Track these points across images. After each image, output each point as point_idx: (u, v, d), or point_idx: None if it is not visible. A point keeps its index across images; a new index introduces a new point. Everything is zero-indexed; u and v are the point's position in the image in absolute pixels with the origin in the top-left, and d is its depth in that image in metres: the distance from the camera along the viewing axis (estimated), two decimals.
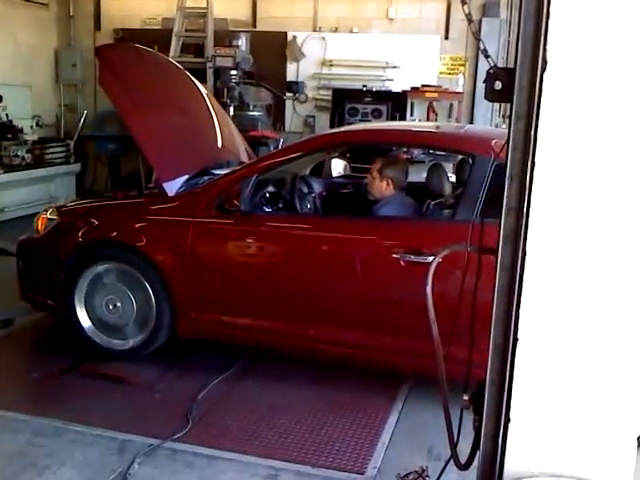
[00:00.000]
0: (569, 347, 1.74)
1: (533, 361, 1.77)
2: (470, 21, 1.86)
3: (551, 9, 1.61)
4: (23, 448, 3.36)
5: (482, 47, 1.85)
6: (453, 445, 2.30)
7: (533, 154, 1.68)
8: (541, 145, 1.67)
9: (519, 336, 1.76)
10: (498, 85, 1.95)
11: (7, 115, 8.90)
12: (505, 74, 1.91)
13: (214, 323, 4.21)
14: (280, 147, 7.96)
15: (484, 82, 1.98)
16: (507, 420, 1.83)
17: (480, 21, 9.02)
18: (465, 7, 1.79)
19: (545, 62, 1.64)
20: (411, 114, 8.85)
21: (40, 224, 4.66)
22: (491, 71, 1.98)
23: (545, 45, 1.63)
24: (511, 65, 1.86)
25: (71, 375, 4.26)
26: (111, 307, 4.36)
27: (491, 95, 1.98)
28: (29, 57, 10.06)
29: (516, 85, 1.72)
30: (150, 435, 3.49)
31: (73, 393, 4.05)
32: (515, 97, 1.72)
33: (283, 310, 4.07)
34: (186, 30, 9.43)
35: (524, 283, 1.73)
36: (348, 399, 4.00)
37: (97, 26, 10.67)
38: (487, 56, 1.83)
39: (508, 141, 1.82)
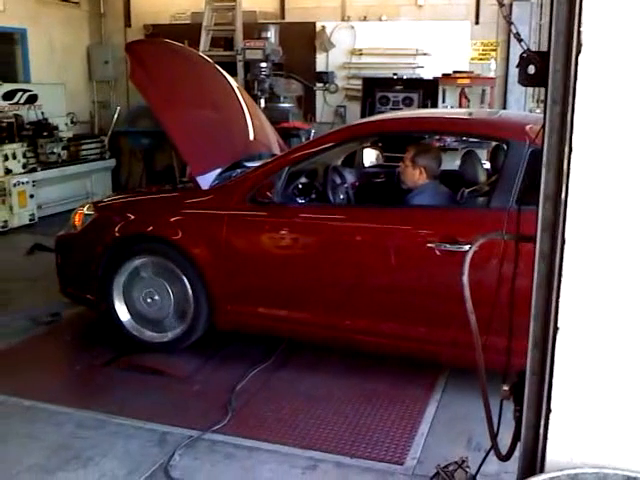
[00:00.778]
0: (610, 336, 1.71)
1: (574, 350, 1.74)
2: (501, 4, 1.83)
3: None
4: (67, 440, 3.43)
5: (514, 31, 1.82)
6: (493, 435, 2.28)
7: (570, 140, 1.65)
8: (578, 130, 1.64)
9: (559, 325, 1.74)
10: (532, 69, 1.91)
11: (42, 113, 9.04)
12: (539, 58, 1.87)
13: (250, 315, 4.24)
14: (311, 138, 7.95)
15: (517, 66, 1.95)
16: (548, 410, 1.81)
17: (511, 5, 8.86)
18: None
19: (580, 45, 1.60)
20: (443, 101, 8.75)
21: (77, 220, 4.73)
22: (524, 55, 1.94)
23: (580, 27, 1.59)
24: (543, 49, 1.82)
25: (111, 368, 4.34)
26: (149, 300, 4.41)
27: (525, 80, 1.95)
28: (62, 55, 10.21)
29: (550, 69, 1.69)
30: (190, 427, 3.54)
31: (114, 385, 4.12)
32: (550, 81, 1.69)
33: (318, 301, 4.07)
34: (215, 24, 9.46)
35: (564, 271, 1.70)
36: (385, 390, 3.99)
37: (127, 23, 10.77)
38: (520, 40, 1.80)
39: (544, 125, 1.79)
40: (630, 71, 1.57)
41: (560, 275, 1.71)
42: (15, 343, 4.71)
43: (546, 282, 1.78)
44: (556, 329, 1.74)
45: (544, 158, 1.72)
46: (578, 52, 1.59)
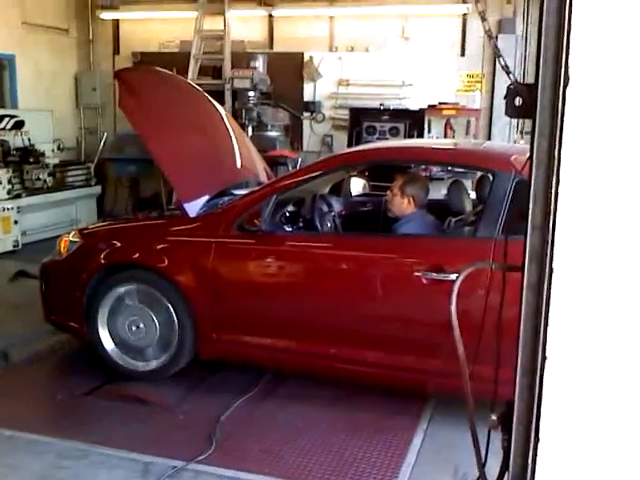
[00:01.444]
0: (601, 364, 1.71)
1: (563, 379, 1.74)
2: (490, 37, 1.87)
3: (572, 23, 1.60)
4: (48, 471, 3.37)
5: (503, 63, 1.84)
6: (481, 465, 2.26)
7: (558, 172, 1.66)
8: (565, 162, 1.65)
9: (547, 354, 1.74)
10: (519, 101, 1.94)
11: (29, 139, 9.03)
12: (526, 90, 1.90)
13: (235, 344, 4.21)
14: (299, 166, 8.00)
15: (505, 98, 1.98)
16: (537, 439, 1.80)
17: (496, 37, 9.04)
18: (485, 23, 1.80)
19: (567, 78, 1.63)
20: (428, 131, 8.85)
21: (63, 246, 4.70)
22: (511, 87, 1.97)
23: (567, 60, 1.62)
24: (528, 80, 1.85)
25: (94, 397, 4.28)
26: (134, 328, 4.38)
27: (512, 111, 1.98)
28: (50, 82, 10.24)
29: (538, 102, 1.71)
30: (174, 457, 3.49)
31: (97, 415, 4.06)
32: (538, 114, 1.71)
33: (306, 330, 4.06)
34: (204, 52, 9.56)
35: (552, 300, 1.71)
36: (372, 420, 3.96)
37: (116, 50, 10.84)
38: (508, 72, 1.83)
39: (531, 157, 1.81)
40: (618, 103, 1.60)
41: (548, 305, 1.71)
42: None
43: (534, 310, 1.78)
44: (544, 358, 1.74)
45: (531, 189, 1.73)
46: (565, 85, 1.61)
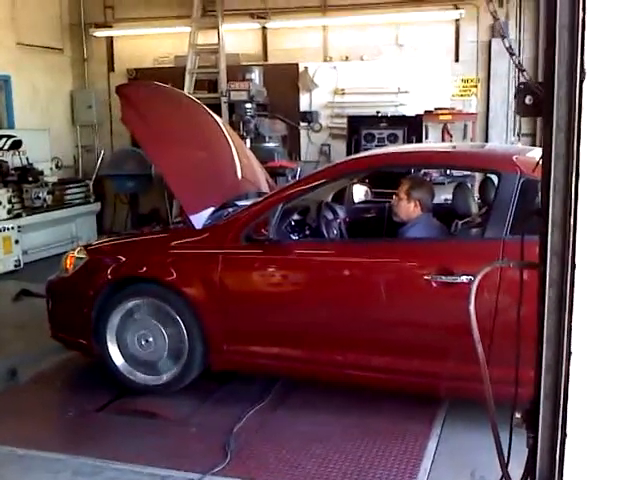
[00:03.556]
0: (627, 358, 1.71)
1: (589, 375, 1.74)
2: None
3: (587, 19, 1.61)
4: None
5: (516, 62, 1.85)
6: (504, 465, 2.25)
7: (577, 166, 1.67)
8: (584, 156, 1.66)
9: (572, 350, 1.74)
10: (529, 99, 1.96)
11: (27, 159, 9.03)
12: (536, 88, 1.92)
13: (246, 354, 4.20)
14: (298, 176, 8.01)
15: (514, 97, 1.99)
16: (564, 435, 1.80)
17: (490, 42, 9.10)
18: (497, 23, 1.81)
19: (583, 72, 1.64)
20: (426, 137, 8.88)
21: (69, 263, 4.68)
22: (521, 86, 1.99)
23: (582, 55, 1.63)
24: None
25: (106, 412, 4.26)
26: (143, 343, 4.36)
27: (522, 110, 2.00)
28: (46, 101, 10.26)
29: (555, 97, 1.72)
30: (189, 470, 3.47)
31: (109, 430, 4.04)
32: (555, 109, 1.72)
33: (318, 337, 4.05)
34: (199, 67, 9.59)
35: (575, 296, 1.71)
36: (385, 426, 3.95)
37: (111, 67, 10.86)
38: (522, 70, 1.84)
39: (546, 155, 1.81)
40: (635, 96, 1.60)
41: (572, 300, 1.71)
42: (1, 391, 4.62)
43: (556, 307, 1.78)
44: (570, 353, 1.74)
45: (551, 185, 1.74)
46: (582, 79, 1.62)
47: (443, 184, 7.48)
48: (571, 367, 1.76)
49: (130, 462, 3.56)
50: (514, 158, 3.88)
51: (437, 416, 4.06)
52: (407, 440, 3.80)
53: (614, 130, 1.63)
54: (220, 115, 8.50)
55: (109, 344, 4.41)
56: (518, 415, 2.03)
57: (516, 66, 1.86)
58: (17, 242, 8.16)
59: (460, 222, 4.06)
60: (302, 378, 4.32)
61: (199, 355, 4.24)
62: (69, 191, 9.54)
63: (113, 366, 4.43)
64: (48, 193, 8.86)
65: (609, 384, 1.75)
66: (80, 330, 4.55)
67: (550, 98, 1.76)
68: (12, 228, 8.10)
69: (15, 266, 8.14)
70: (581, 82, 1.64)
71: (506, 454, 2.26)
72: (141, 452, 3.69)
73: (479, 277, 2.11)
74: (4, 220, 8.04)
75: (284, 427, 3.99)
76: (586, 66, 1.62)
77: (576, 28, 1.63)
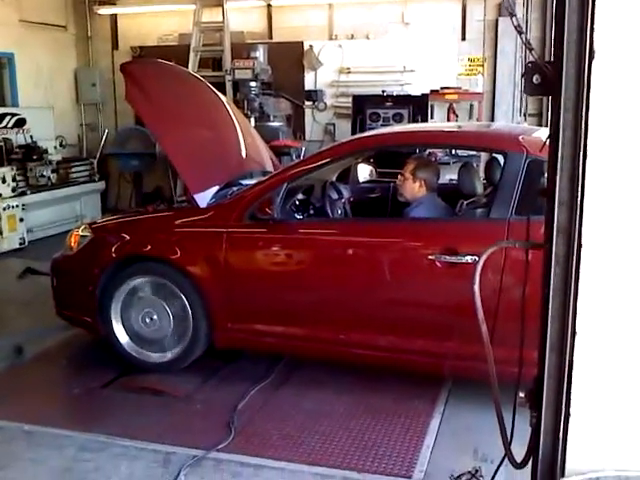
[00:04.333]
0: (631, 338, 1.72)
1: (593, 354, 1.75)
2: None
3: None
4: (70, 464, 3.39)
5: (525, 40, 1.84)
6: (507, 443, 2.27)
7: (585, 146, 1.66)
8: (592, 136, 1.65)
9: (577, 329, 1.74)
10: (537, 79, 1.94)
11: (31, 137, 9.03)
12: (545, 67, 1.90)
13: (250, 332, 4.22)
14: (302, 156, 7.98)
15: (522, 76, 1.99)
16: (567, 414, 1.81)
17: (497, 21, 9.01)
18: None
19: (592, 52, 1.62)
20: (431, 117, 8.82)
21: (73, 241, 4.69)
22: (530, 65, 1.97)
23: (592, 35, 1.62)
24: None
25: (111, 389, 4.30)
26: (148, 320, 4.38)
27: (531, 89, 1.98)
28: (50, 79, 10.21)
29: (563, 77, 1.71)
30: (194, 446, 3.50)
31: (115, 407, 4.07)
32: (563, 89, 1.71)
33: (321, 316, 4.06)
34: (203, 45, 9.51)
35: (581, 275, 1.71)
36: (388, 404, 3.98)
37: (115, 45, 10.80)
38: (531, 49, 1.82)
39: (553, 134, 1.81)
40: None
41: (577, 279, 1.72)
42: (7, 368, 4.65)
43: (562, 286, 1.79)
44: (574, 333, 1.74)
45: (558, 165, 1.73)
46: (591, 59, 1.61)
47: (448, 164, 7.44)
48: (575, 346, 1.76)
49: (135, 438, 3.59)
50: (520, 138, 3.87)
51: (440, 395, 4.09)
52: (410, 418, 3.82)
53: (623, 110, 1.63)
54: (224, 93, 8.46)
55: (114, 322, 4.43)
56: (522, 394, 2.05)
57: (524, 44, 1.85)
58: (22, 220, 8.16)
59: (465, 202, 4.05)
60: (305, 356, 4.35)
61: (203, 333, 4.26)
62: (74, 169, 9.52)
63: (118, 344, 4.46)
64: (52, 171, 8.85)
65: (613, 364, 1.76)
66: (85, 308, 4.57)
67: (559, 78, 1.75)
68: (17, 206, 8.10)
69: (20, 244, 8.15)
70: (590, 62, 1.63)
71: (509, 433, 2.28)
72: (146, 428, 3.72)
73: (484, 257, 2.11)
74: (9, 198, 8.04)
75: (288, 404, 4.02)
76: (595, 46, 1.61)
77: (586, 7, 1.62)
